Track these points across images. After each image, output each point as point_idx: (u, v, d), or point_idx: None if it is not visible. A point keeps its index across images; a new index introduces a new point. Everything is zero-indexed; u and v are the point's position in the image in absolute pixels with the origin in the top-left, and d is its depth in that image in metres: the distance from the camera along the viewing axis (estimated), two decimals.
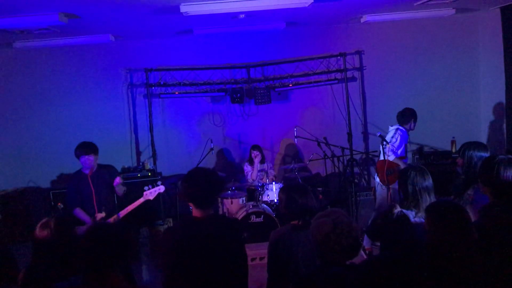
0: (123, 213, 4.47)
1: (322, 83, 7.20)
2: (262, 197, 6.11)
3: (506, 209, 2.62)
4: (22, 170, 7.08)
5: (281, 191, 3.04)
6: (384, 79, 7.37)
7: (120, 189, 4.59)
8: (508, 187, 2.70)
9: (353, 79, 7.39)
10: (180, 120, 7.38)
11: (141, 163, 7.08)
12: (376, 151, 5.79)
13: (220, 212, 6.23)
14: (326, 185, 7.17)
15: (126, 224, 4.45)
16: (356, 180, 7.23)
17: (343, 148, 6.70)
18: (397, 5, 5.90)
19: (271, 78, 7.26)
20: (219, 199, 6.17)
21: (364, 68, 7.39)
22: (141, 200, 4.52)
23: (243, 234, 5.36)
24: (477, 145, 3.48)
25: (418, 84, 7.35)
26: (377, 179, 5.44)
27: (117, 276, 2.12)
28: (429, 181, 3.05)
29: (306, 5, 4.92)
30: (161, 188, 4.64)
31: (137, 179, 6.43)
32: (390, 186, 5.09)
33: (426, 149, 7.30)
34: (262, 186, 6.17)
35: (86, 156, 4.46)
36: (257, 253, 5.02)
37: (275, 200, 6.01)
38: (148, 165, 6.76)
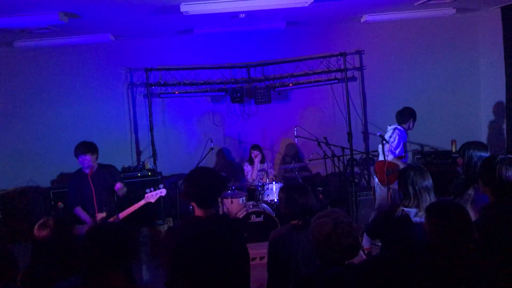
0: (123, 214, 4.47)
1: (322, 82, 7.19)
2: (262, 197, 6.12)
3: (506, 209, 2.62)
4: (22, 170, 7.07)
5: (281, 191, 3.04)
6: (384, 79, 7.37)
7: (120, 191, 4.60)
8: (509, 187, 2.70)
9: (353, 78, 7.39)
10: (180, 119, 7.38)
11: (141, 163, 7.07)
12: (376, 151, 5.79)
13: (220, 212, 6.23)
14: (326, 185, 7.17)
15: (126, 223, 4.44)
16: (356, 180, 7.23)
17: (343, 148, 6.70)
18: (397, 5, 5.90)
19: (271, 78, 7.25)
20: (220, 199, 6.17)
21: (364, 68, 7.39)
22: (142, 202, 4.52)
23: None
24: (477, 145, 3.48)
25: (418, 84, 7.35)
26: (376, 180, 5.44)
27: (117, 276, 2.12)
28: (428, 181, 3.06)
29: (306, 5, 4.91)
30: (162, 192, 4.64)
31: (137, 179, 6.43)
32: (390, 186, 5.09)
33: (426, 149, 7.30)
34: (262, 185, 6.17)
35: (83, 156, 4.46)
36: (257, 252, 5.01)
37: (275, 200, 6.01)
38: (148, 165, 6.76)
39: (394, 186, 4.92)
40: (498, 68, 6.81)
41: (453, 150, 6.76)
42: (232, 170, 7.34)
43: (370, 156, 7.31)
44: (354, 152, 7.08)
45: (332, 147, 6.58)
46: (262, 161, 6.69)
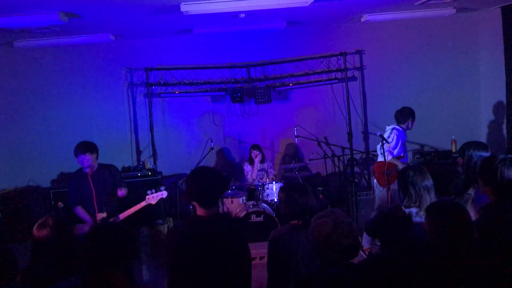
0: (123, 215, 4.48)
1: (323, 82, 7.19)
2: (262, 197, 6.11)
3: (507, 208, 2.62)
4: (22, 169, 7.07)
5: (281, 191, 3.03)
6: (384, 79, 7.36)
7: (122, 193, 4.62)
8: (509, 186, 2.70)
9: (354, 78, 7.38)
10: (180, 119, 7.38)
11: (141, 163, 7.07)
12: (376, 150, 5.78)
13: (221, 212, 6.23)
14: (326, 185, 7.17)
15: (126, 223, 4.44)
16: (356, 180, 7.23)
17: (343, 148, 6.70)
18: (398, 5, 5.90)
19: (271, 78, 7.25)
20: (220, 199, 6.17)
21: (364, 67, 7.39)
22: (143, 203, 4.53)
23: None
24: (477, 145, 3.48)
25: (418, 84, 7.35)
26: (375, 180, 5.43)
27: (117, 276, 2.12)
28: (428, 181, 3.06)
29: (307, 5, 4.91)
30: (164, 194, 4.65)
31: (137, 179, 6.43)
32: (390, 186, 5.09)
33: (426, 148, 7.30)
34: (262, 185, 6.17)
35: (83, 155, 4.46)
36: (257, 252, 4.98)
37: (275, 200, 6.00)
38: (148, 165, 6.76)
39: (394, 186, 4.92)
40: (498, 68, 6.81)
41: (453, 150, 6.76)
42: (232, 170, 7.34)
43: (370, 156, 7.31)
44: (354, 152, 7.08)
45: (332, 147, 6.58)
46: (262, 161, 6.69)
